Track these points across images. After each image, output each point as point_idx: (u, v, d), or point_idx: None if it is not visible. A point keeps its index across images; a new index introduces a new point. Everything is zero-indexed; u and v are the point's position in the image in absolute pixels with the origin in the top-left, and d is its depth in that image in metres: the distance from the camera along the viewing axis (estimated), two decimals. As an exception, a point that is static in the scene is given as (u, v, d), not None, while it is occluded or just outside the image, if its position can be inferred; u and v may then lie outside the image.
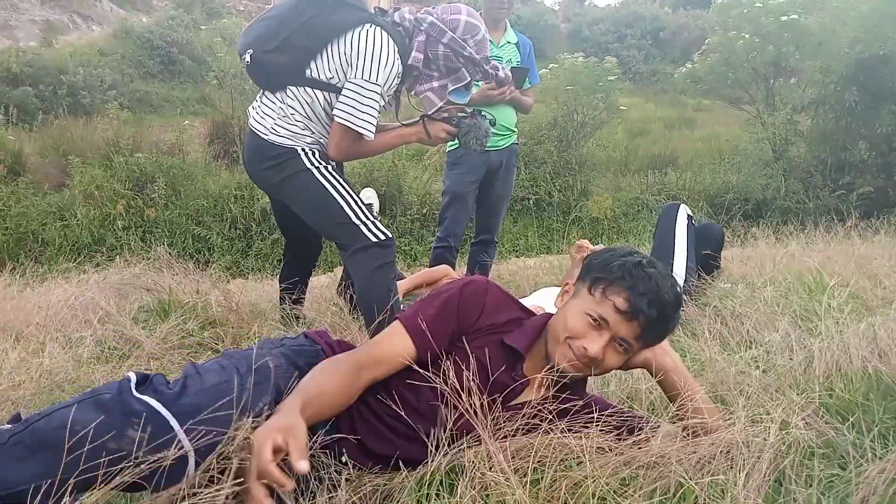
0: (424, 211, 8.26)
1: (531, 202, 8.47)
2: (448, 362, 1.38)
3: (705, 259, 3.06)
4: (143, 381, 1.19)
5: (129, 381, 1.17)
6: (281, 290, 2.60)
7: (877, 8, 8.74)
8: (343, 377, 1.32)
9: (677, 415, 1.46)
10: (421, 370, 1.37)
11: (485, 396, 1.36)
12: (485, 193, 3.73)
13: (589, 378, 1.69)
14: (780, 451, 1.23)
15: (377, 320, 2.08)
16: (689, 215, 3.06)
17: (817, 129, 9.77)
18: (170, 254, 2.90)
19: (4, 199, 7.46)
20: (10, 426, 1.14)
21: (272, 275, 6.11)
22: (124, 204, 7.40)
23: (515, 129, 3.75)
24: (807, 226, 8.44)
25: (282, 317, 2.53)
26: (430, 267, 3.80)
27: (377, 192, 4.62)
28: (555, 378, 1.41)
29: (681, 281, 2.82)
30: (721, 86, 10.78)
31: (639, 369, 1.56)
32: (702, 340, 2.14)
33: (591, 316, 1.39)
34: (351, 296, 2.63)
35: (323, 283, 3.54)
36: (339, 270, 4.09)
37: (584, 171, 8.79)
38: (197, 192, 7.85)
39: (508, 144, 3.70)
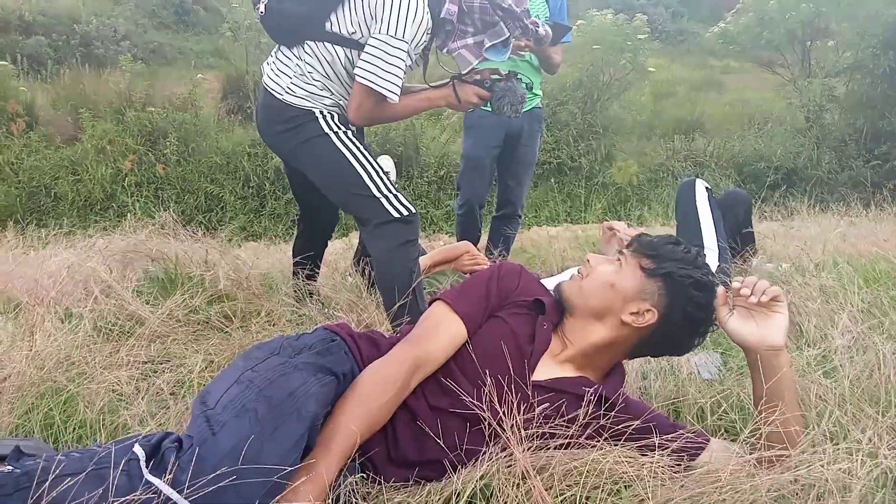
0: (442, 173, 8.03)
1: (553, 166, 8.20)
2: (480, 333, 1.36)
3: (737, 232, 2.87)
4: (154, 449, 1.05)
5: (138, 460, 1.03)
6: (294, 265, 2.43)
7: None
8: (394, 394, 1.21)
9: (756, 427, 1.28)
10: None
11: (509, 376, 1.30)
12: (506, 161, 3.44)
13: (627, 378, 1.55)
14: (868, 486, 1.06)
15: (398, 303, 1.92)
16: (707, 188, 2.87)
17: (853, 95, 9.36)
18: (176, 220, 2.72)
19: (17, 151, 7.33)
20: (9, 468, 1.01)
21: (285, 238, 5.98)
22: (134, 160, 7.24)
23: (539, 92, 3.45)
24: (848, 200, 8.20)
25: (295, 293, 2.36)
26: (458, 232, 3.60)
27: (393, 158, 4.42)
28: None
29: (715, 261, 2.63)
30: (754, 47, 10.32)
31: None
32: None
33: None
34: (367, 270, 2.47)
35: (337, 251, 3.37)
36: (354, 237, 3.91)
37: (609, 135, 8.49)
38: (209, 149, 7.68)
39: (531, 108, 3.36)
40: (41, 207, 7.08)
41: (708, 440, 1.33)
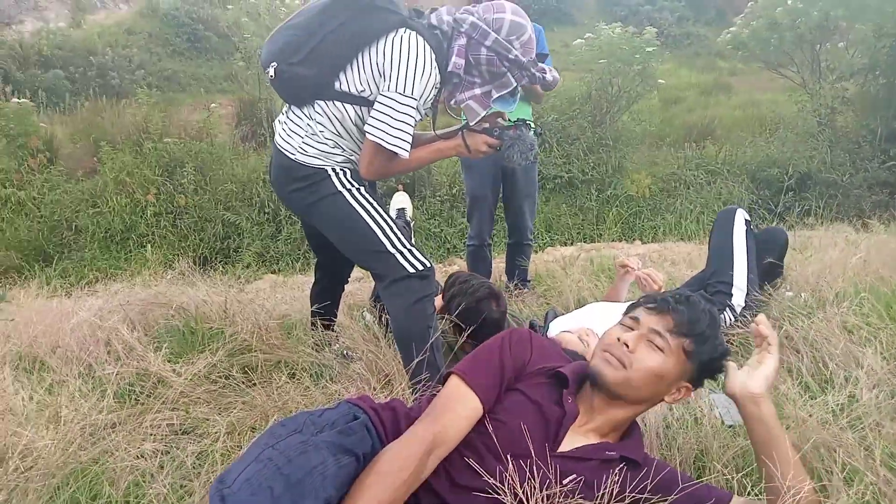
0: (454, 191, 8.04)
1: (564, 180, 8.19)
2: (501, 408, 1.36)
3: (768, 267, 2.81)
4: None
5: None
6: (312, 315, 2.45)
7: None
8: (410, 474, 1.20)
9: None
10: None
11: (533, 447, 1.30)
12: (508, 195, 3.64)
13: (645, 437, 1.56)
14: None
15: (416, 359, 1.92)
16: (746, 220, 2.81)
17: (867, 96, 9.25)
18: (193, 268, 2.75)
19: (39, 186, 7.47)
20: None
21: (303, 266, 6.02)
22: (155, 191, 7.35)
23: (531, 124, 3.54)
24: (863, 204, 8.07)
25: (314, 341, 2.38)
26: (468, 264, 3.71)
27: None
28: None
29: (742, 296, 2.60)
30: (764, 52, 10.24)
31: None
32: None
33: (623, 323, 1.44)
34: (384, 315, 2.49)
35: (354, 290, 3.38)
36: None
37: (619, 147, 8.45)
38: (225, 177, 7.76)
39: None
40: (63, 241, 7.20)
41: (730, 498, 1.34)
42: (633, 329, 1.41)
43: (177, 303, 2.48)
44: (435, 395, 1.40)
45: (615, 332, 1.43)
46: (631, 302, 1.57)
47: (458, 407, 1.31)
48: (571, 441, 1.35)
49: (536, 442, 1.29)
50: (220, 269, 6.62)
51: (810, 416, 1.61)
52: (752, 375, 1.38)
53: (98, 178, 7.67)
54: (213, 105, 8.76)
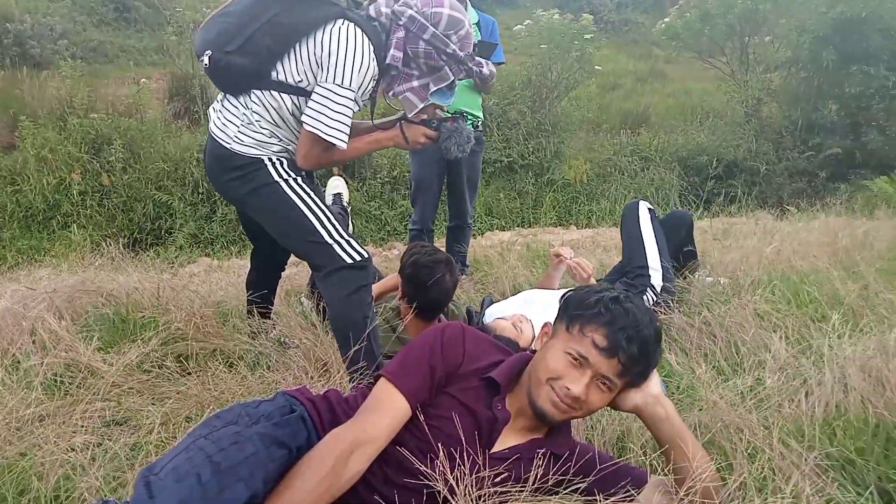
0: (395, 173, 8.03)
1: (504, 164, 8.30)
2: (434, 413, 1.37)
3: (679, 251, 3.03)
4: None
5: None
6: (248, 303, 2.44)
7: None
8: (329, 473, 1.22)
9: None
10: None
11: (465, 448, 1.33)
12: (452, 179, 3.73)
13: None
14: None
15: (353, 348, 1.96)
16: (649, 209, 3.03)
17: (789, 88, 9.74)
18: (125, 253, 2.69)
19: (-50, 161, 7.03)
20: None
21: (239, 251, 5.91)
22: (80, 169, 7.02)
23: (479, 113, 3.72)
24: (781, 195, 8.52)
25: (250, 329, 2.38)
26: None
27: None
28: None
29: (659, 280, 2.76)
30: (697, 42, 10.62)
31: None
32: (692, 359, 2.07)
33: (570, 354, 1.38)
34: (320, 299, 2.51)
35: (291, 275, 3.37)
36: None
37: (557, 133, 8.62)
38: (156, 155, 7.47)
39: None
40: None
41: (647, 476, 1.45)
42: (581, 367, 1.37)
43: (106, 290, 2.43)
44: (373, 383, 1.44)
45: (562, 368, 1.38)
46: (565, 290, 1.61)
47: (384, 408, 1.34)
48: (503, 441, 1.41)
49: (469, 445, 1.34)
50: (151, 251, 6.43)
51: (721, 398, 1.73)
52: (645, 383, 1.44)
53: (17, 153, 7.27)
54: (143, 80, 8.39)
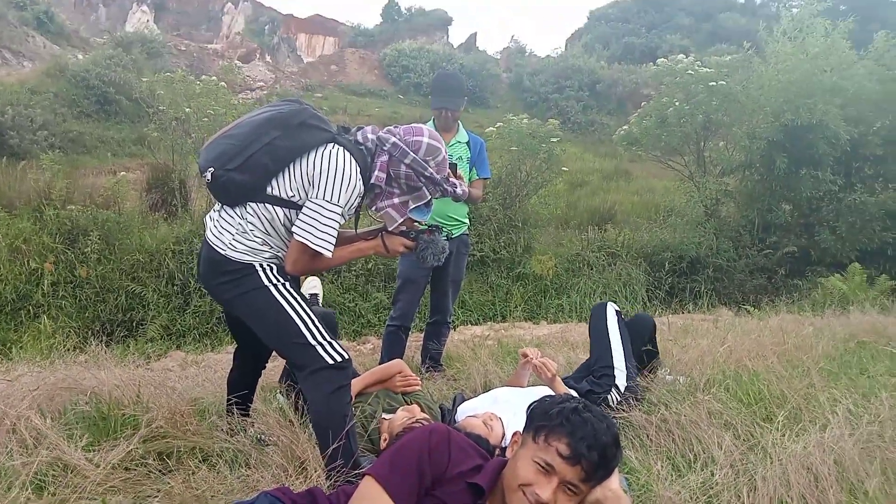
0: (370, 266, 8.19)
1: (476, 258, 8.56)
2: None
3: (642, 351, 3.23)
4: None
5: None
6: (228, 401, 2.53)
7: (795, 81, 9.39)
8: None
9: None
10: None
11: None
12: (437, 277, 3.93)
13: None
14: None
15: (332, 446, 2.05)
16: (616, 311, 3.25)
17: (745, 190, 10.33)
18: (106, 352, 2.76)
19: (-79, 248, 7.01)
20: None
21: (211, 343, 5.92)
22: (53, 259, 7.05)
23: (466, 221, 4.02)
24: (744, 291, 8.84)
25: (229, 427, 2.45)
26: (384, 346, 3.85)
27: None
28: None
29: (623, 381, 2.93)
30: (655, 147, 11.30)
31: None
32: (650, 455, 2.19)
33: (538, 463, 1.52)
34: (297, 397, 2.61)
35: (266, 371, 3.44)
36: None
37: (527, 228, 8.97)
38: (132, 247, 7.54)
39: (459, 234, 3.95)
40: (-53, 308, 6.73)
41: None
42: (548, 475, 1.49)
43: (87, 387, 2.49)
44: (351, 481, 1.54)
45: (532, 475, 1.50)
46: (531, 389, 1.76)
47: None
48: None
49: None
50: (122, 342, 6.38)
51: (677, 494, 1.86)
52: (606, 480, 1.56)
53: (-10, 243, 7.28)
54: (121, 173, 8.57)
